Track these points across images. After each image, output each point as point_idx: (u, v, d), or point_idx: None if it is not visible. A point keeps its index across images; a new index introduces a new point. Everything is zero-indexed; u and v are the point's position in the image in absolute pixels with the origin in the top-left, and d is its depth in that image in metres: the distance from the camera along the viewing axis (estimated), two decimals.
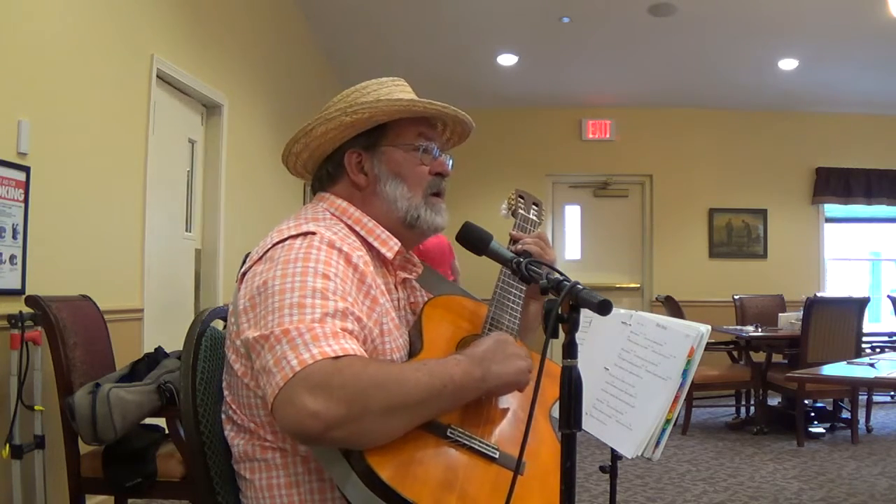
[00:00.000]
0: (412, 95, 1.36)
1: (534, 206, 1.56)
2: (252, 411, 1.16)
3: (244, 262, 1.24)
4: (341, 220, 1.27)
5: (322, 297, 1.06)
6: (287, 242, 1.15)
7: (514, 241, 1.46)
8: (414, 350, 1.25)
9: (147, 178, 3.66)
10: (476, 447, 1.10)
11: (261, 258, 1.16)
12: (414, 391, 1.02)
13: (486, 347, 1.15)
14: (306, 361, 0.98)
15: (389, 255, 1.28)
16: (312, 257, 1.11)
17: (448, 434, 1.09)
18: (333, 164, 1.32)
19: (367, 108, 1.26)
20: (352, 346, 1.02)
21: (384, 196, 1.30)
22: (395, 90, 1.34)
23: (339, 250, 1.15)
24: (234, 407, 1.19)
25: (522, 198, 1.56)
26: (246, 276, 1.17)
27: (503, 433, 1.16)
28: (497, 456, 1.11)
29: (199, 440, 1.24)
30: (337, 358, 0.99)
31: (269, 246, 1.16)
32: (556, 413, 1.21)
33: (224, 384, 1.23)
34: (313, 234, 1.16)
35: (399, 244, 1.30)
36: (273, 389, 0.98)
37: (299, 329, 1.01)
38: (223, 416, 1.23)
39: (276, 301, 1.06)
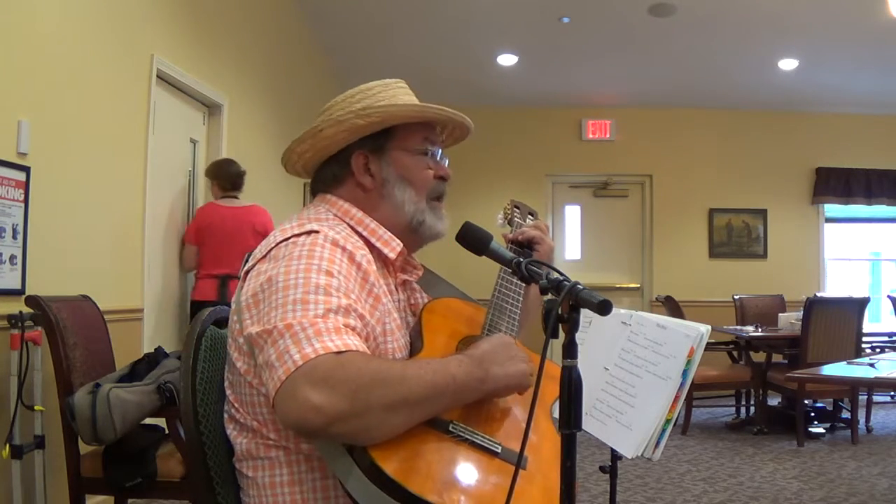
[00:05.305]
0: (414, 98, 1.36)
1: (529, 216, 1.59)
2: (255, 409, 1.16)
3: (246, 261, 1.25)
4: (343, 221, 1.28)
5: (325, 294, 1.06)
6: (291, 240, 1.16)
7: (512, 241, 1.49)
8: (414, 350, 1.26)
9: (147, 177, 3.66)
10: (479, 442, 1.11)
11: (264, 256, 1.17)
12: (416, 389, 1.03)
13: (487, 348, 1.15)
14: (309, 355, 0.98)
15: (392, 255, 1.28)
16: (316, 255, 1.12)
17: (450, 429, 1.09)
18: (339, 164, 1.32)
19: (382, 111, 1.27)
20: (354, 343, 1.03)
21: (391, 199, 1.30)
22: (400, 93, 1.35)
23: (343, 248, 1.16)
24: (236, 405, 1.20)
25: (518, 208, 1.59)
26: (249, 274, 1.17)
27: (505, 429, 1.17)
28: (499, 450, 1.11)
29: (199, 440, 1.24)
30: (340, 353, 0.99)
31: (273, 245, 1.17)
32: (556, 413, 1.21)
33: (226, 383, 1.24)
34: (317, 232, 1.16)
35: (401, 245, 1.30)
36: (275, 383, 0.99)
37: (302, 324, 1.02)
38: (225, 415, 1.24)
39: (279, 297, 1.07)
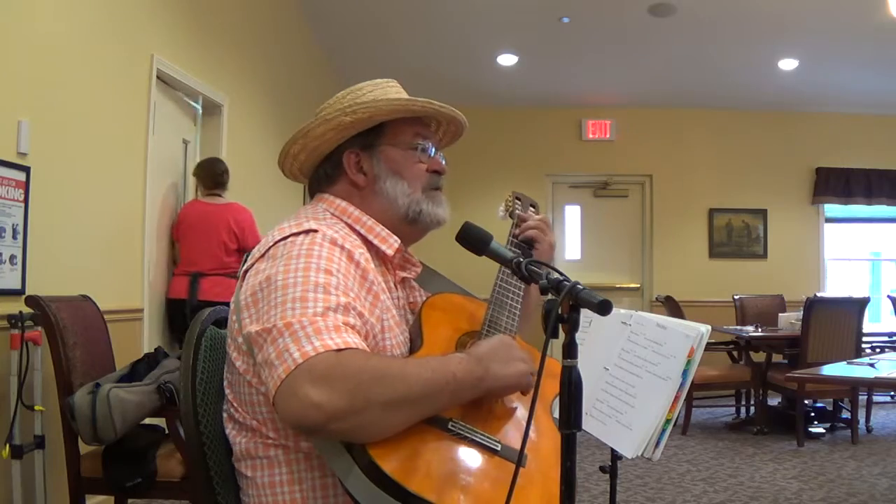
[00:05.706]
0: (404, 95, 1.37)
1: (531, 208, 1.59)
2: (254, 409, 1.17)
3: (244, 260, 1.25)
4: (341, 220, 1.28)
5: (324, 292, 1.07)
6: (289, 240, 1.16)
7: (519, 222, 1.50)
8: (414, 347, 1.26)
9: (147, 178, 3.66)
10: (478, 440, 1.10)
11: (262, 256, 1.17)
12: (416, 386, 1.03)
13: (489, 348, 1.16)
14: (309, 353, 0.98)
15: (390, 251, 1.29)
16: (315, 253, 1.12)
17: (450, 427, 1.09)
18: (332, 164, 1.33)
19: (367, 107, 1.28)
20: (354, 340, 1.03)
21: (384, 194, 1.31)
22: (390, 91, 1.36)
23: (342, 247, 1.16)
24: (235, 405, 1.20)
25: (519, 199, 1.58)
26: (248, 274, 1.17)
27: (505, 427, 1.17)
28: (499, 448, 1.11)
29: (199, 440, 1.24)
30: (339, 350, 1.00)
31: (271, 244, 1.17)
32: (556, 412, 1.21)
33: (225, 382, 1.24)
34: (315, 231, 1.17)
35: (399, 241, 1.30)
36: (275, 381, 0.99)
37: (301, 322, 1.02)
38: (224, 415, 1.24)
39: (278, 296, 1.07)
